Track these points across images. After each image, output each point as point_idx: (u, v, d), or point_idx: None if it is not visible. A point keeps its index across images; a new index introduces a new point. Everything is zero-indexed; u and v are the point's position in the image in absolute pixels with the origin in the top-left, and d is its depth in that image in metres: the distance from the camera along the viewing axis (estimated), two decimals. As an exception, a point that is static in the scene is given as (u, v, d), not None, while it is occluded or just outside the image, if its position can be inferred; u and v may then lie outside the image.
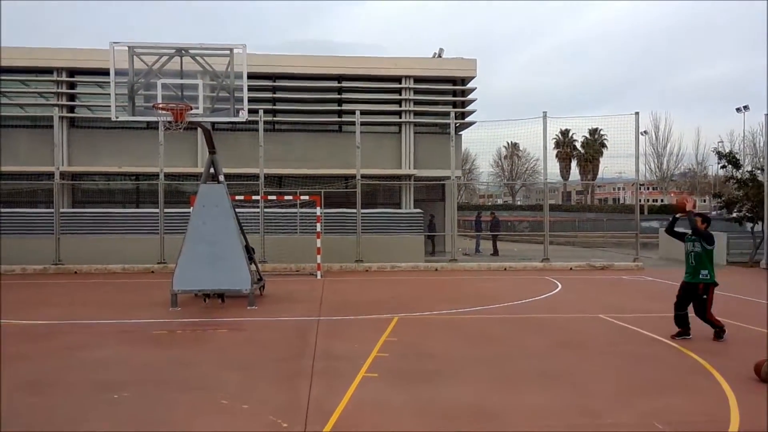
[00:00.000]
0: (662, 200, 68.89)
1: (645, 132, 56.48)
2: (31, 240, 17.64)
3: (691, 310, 8.27)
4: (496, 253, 23.00)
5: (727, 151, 23.53)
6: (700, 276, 8.16)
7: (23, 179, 20.55)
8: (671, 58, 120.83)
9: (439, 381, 6.26)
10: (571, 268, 18.33)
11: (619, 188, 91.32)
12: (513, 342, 8.21)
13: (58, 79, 21.24)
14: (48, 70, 21.22)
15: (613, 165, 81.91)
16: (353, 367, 6.66)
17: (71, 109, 21.74)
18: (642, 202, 44.71)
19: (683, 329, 8.26)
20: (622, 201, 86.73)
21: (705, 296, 8.13)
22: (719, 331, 8.16)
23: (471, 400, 5.66)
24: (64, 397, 5.70)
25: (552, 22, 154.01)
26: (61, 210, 18.31)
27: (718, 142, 53.39)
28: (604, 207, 65.84)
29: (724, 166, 22.61)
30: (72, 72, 21.44)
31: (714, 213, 47.49)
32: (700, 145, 61.33)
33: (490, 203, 77.85)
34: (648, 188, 69.99)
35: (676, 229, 8.81)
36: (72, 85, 21.78)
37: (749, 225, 20.35)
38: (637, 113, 19.12)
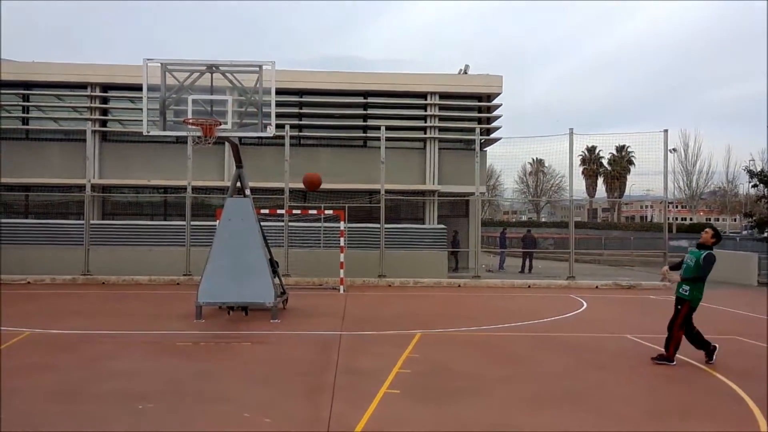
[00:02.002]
0: (691, 218, 67.62)
1: (674, 149, 55.65)
2: (61, 250, 18.03)
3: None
4: (529, 270, 22.70)
5: (758, 169, 23.08)
6: (680, 290, 7.88)
7: (55, 191, 21.08)
8: (701, 75, 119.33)
9: (461, 399, 6.21)
10: (597, 287, 18.06)
11: (646, 206, 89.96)
12: (536, 361, 8.11)
13: (92, 94, 21.80)
14: (82, 86, 21.80)
15: (641, 182, 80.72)
16: (375, 383, 6.64)
17: (103, 123, 22.28)
18: (670, 221, 43.93)
19: (705, 349, 7.95)
20: (649, 219, 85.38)
21: (679, 307, 7.83)
22: (667, 356, 7.79)
23: (493, 419, 5.60)
24: (88, 407, 5.79)
25: (579, 39, 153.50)
26: (91, 222, 18.70)
27: (750, 161, 52.26)
28: (631, 225, 64.87)
29: (755, 185, 22.23)
30: (105, 87, 21.99)
31: (744, 233, 46.47)
32: (731, 164, 60.14)
33: (514, 220, 77.29)
34: (677, 206, 68.83)
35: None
36: (105, 100, 22.34)
37: (781, 245, 19.88)
38: (665, 130, 18.91)
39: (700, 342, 7.98)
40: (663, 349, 7.97)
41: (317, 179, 8.52)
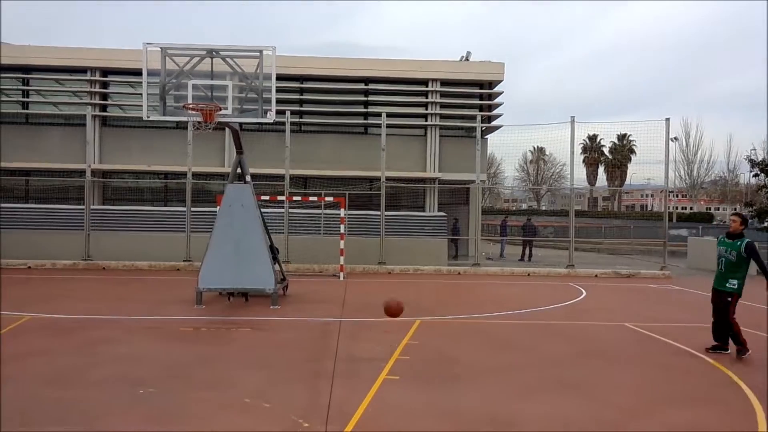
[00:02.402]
0: (691, 208, 67.62)
1: (675, 138, 55.49)
2: (61, 235, 18.05)
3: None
4: (529, 258, 22.75)
5: (759, 159, 23.04)
6: (727, 285, 7.77)
7: (55, 176, 21.05)
8: (704, 64, 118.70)
9: (460, 386, 6.25)
10: (596, 275, 18.10)
11: (647, 195, 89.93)
12: (535, 349, 8.15)
13: (92, 78, 21.69)
14: (82, 70, 21.67)
15: (642, 171, 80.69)
16: (374, 369, 6.68)
17: (103, 108, 22.18)
18: (670, 210, 43.91)
19: (720, 343, 7.95)
20: (649, 208, 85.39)
21: (729, 299, 7.73)
22: (741, 348, 7.74)
23: (490, 406, 5.64)
24: (89, 392, 5.83)
25: (583, 27, 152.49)
26: (92, 207, 18.70)
27: (751, 150, 51.93)
28: (632, 214, 64.95)
29: (756, 175, 22.22)
30: (105, 72, 21.88)
31: (745, 222, 46.45)
32: (732, 153, 59.92)
33: (514, 208, 77.30)
34: (677, 195, 68.80)
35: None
36: (105, 85, 22.23)
37: (782, 235, 19.90)
38: (667, 119, 18.83)
39: (720, 336, 7.94)
40: (715, 342, 7.93)
41: (397, 310, 8.34)
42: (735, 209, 66.98)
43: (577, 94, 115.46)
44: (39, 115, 21.82)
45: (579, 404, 5.76)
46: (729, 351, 7.89)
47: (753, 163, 21.91)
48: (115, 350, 7.50)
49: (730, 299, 7.77)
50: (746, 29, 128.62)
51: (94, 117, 20.80)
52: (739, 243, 7.69)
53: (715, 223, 49.86)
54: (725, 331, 7.90)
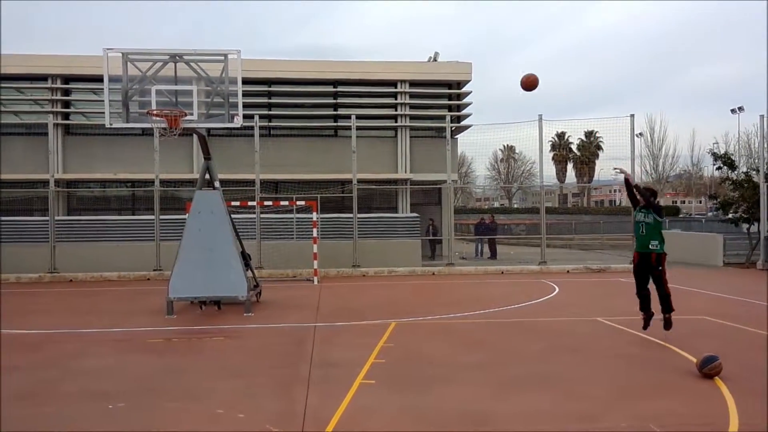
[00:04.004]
0: (658, 201, 68.93)
1: (640, 134, 56.64)
2: (25, 248, 17.57)
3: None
4: (494, 256, 23.03)
5: (722, 152, 23.61)
6: (650, 246, 8.17)
7: (18, 187, 20.47)
8: (667, 60, 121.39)
9: (436, 387, 6.23)
10: (568, 271, 18.32)
11: (615, 190, 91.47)
12: (510, 346, 8.19)
13: (53, 86, 21.17)
14: (42, 77, 21.15)
15: (609, 167, 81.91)
16: (350, 374, 6.62)
17: (66, 116, 21.68)
18: (638, 204, 44.60)
19: (646, 311, 8.36)
20: (618, 203, 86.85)
21: (660, 267, 8.12)
22: (669, 317, 8.16)
23: (468, 405, 5.63)
24: (57, 408, 5.65)
25: (548, 27, 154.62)
26: (57, 218, 18.25)
27: (714, 144, 53.42)
28: (601, 209, 66.00)
29: (719, 168, 22.69)
30: (66, 79, 21.38)
31: (710, 214, 47.62)
32: (696, 147, 61.51)
33: (486, 206, 77.90)
34: (644, 190, 70.01)
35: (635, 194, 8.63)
36: (66, 92, 21.73)
37: (745, 226, 20.40)
38: (632, 115, 19.17)
39: (646, 307, 8.38)
40: (663, 315, 8.19)
41: (532, 81, 8.34)
42: (700, 201, 68.71)
43: (546, 92, 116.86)
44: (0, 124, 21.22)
45: (554, 399, 5.79)
46: (654, 314, 8.29)
47: (716, 156, 22.41)
48: (84, 364, 7.29)
49: (661, 268, 8.12)
50: (705, 24, 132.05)
51: (56, 125, 20.33)
52: (651, 208, 8.29)
53: (681, 216, 50.95)
54: (650, 302, 8.33)
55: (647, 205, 8.35)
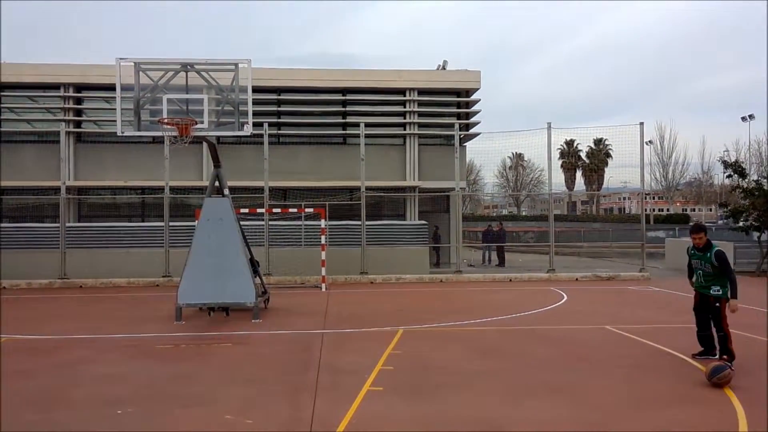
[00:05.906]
0: (668, 209, 68.63)
1: (650, 142, 56.48)
2: (37, 254, 17.71)
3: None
4: (502, 263, 22.99)
5: (732, 160, 23.49)
6: (711, 291, 7.67)
7: (30, 194, 20.69)
8: (678, 68, 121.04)
9: (444, 394, 6.23)
10: (576, 279, 18.25)
11: (624, 198, 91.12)
12: (518, 354, 8.17)
13: (65, 94, 21.41)
14: (55, 86, 21.40)
15: (618, 175, 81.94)
16: (358, 381, 6.63)
17: (78, 124, 21.91)
18: (648, 212, 44.52)
19: (706, 348, 7.83)
20: (627, 211, 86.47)
21: (717, 304, 7.59)
22: (732, 357, 7.43)
23: (476, 413, 5.63)
24: (67, 414, 5.70)
25: (558, 35, 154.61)
26: (67, 224, 18.40)
27: (724, 151, 53.17)
28: (610, 217, 65.69)
29: (729, 176, 22.58)
30: (79, 87, 21.62)
31: (720, 222, 47.30)
32: (706, 155, 61.21)
33: (495, 214, 77.74)
34: (654, 198, 69.79)
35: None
36: (79, 101, 21.96)
37: (756, 234, 20.24)
38: (641, 123, 19.13)
39: (706, 343, 7.83)
40: (720, 356, 7.57)
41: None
42: (710, 209, 68.21)
43: (554, 100, 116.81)
44: (12, 132, 21.47)
45: (565, 407, 5.77)
46: (717, 356, 7.66)
47: (726, 164, 22.29)
48: (94, 370, 7.35)
49: (718, 304, 7.63)
50: (716, 34, 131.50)
51: (68, 133, 20.51)
52: (709, 254, 7.68)
53: (691, 224, 50.58)
54: (713, 340, 7.75)
55: (699, 248, 7.69)
